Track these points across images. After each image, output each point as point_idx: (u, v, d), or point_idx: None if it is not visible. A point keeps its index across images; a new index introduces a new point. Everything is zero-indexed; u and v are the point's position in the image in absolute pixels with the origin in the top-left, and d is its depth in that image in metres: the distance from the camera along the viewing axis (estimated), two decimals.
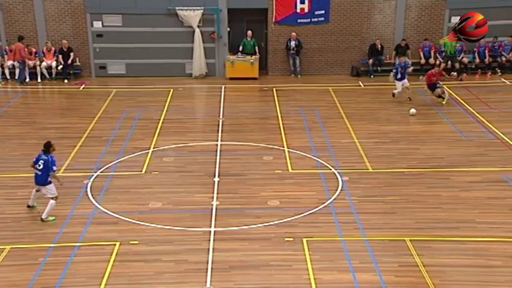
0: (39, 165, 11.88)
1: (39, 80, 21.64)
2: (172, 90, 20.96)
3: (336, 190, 13.26)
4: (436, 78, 18.72)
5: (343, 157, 15.09)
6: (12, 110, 18.91)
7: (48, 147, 12.01)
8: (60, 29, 22.08)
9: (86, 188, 13.33)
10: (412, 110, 17.93)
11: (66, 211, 12.27)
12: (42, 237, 11.30)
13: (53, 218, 11.92)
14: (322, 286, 9.95)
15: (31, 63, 21.55)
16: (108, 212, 12.32)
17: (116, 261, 10.59)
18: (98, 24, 22.10)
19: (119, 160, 14.82)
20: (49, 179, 11.96)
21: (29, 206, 12.34)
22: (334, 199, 12.86)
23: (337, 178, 13.87)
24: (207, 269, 10.39)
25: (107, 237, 11.34)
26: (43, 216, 11.88)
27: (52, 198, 11.96)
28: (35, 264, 10.45)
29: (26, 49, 21.23)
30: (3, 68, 21.55)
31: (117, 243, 11.10)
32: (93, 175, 13.96)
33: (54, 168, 11.93)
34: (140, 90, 21.06)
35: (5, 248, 10.88)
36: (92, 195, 13.01)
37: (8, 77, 21.55)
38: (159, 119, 18.00)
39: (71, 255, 10.73)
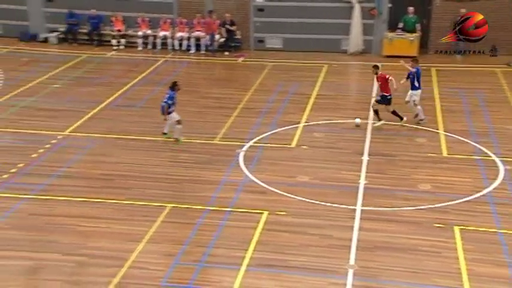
0: (165, 98, 14.38)
1: (202, 51, 22.66)
2: (326, 66, 20.89)
3: (496, 179, 12.46)
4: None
5: (507, 144, 14.11)
6: (177, 79, 19.98)
7: (173, 86, 14.56)
8: (224, 3, 22.86)
9: (239, 156, 13.81)
10: (357, 120, 15.40)
11: (220, 177, 12.84)
12: (199, 200, 11.94)
13: (182, 138, 14.44)
14: (474, 278, 9.47)
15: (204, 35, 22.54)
16: (258, 181, 12.68)
17: (264, 229, 10.91)
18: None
19: (271, 132, 15.14)
20: (170, 109, 14.28)
21: (164, 133, 14.62)
22: (494, 188, 12.10)
23: (497, 166, 13.02)
24: (350, 246, 10.34)
25: (255, 206, 11.69)
26: (176, 136, 14.45)
27: (178, 122, 14.36)
28: (192, 223, 11.09)
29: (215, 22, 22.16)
30: (173, 40, 22.85)
31: (265, 212, 11.41)
32: (246, 145, 14.42)
33: (169, 102, 14.27)
34: (295, 64, 21.24)
35: (167, 206, 11.66)
36: (244, 164, 13.45)
37: (177, 48, 22.80)
38: (311, 94, 18.07)
39: (223, 219, 11.23)
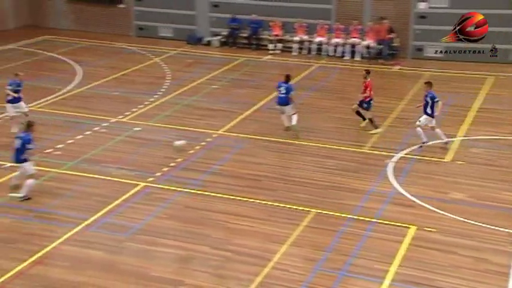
0: (281, 90, 14.82)
1: (356, 58, 22.46)
2: (492, 77, 19.67)
3: None
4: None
5: None
6: (329, 84, 20.07)
7: (288, 78, 15.07)
8: (383, 10, 22.46)
9: (389, 167, 13.46)
10: (178, 143, 13.69)
11: (367, 186, 12.62)
12: (343, 207, 11.84)
13: (295, 123, 14.88)
14: None
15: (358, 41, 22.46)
16: (407, 194, 12.27)
17: (411, 244, 10.53)
18: (422, 6, 21.89)
19: (424, 144, 14.57)
20: (290, 102, 14.82)
21: (287, 127, 14.99)
22: None
23: None
24: (509, 274, 9.61)
25: (402, 219, 11.33)
26: (292, 123, 14.91)
27: (293, 114, 14.86)
28: (335, 231, 11.03)
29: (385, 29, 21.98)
30: (328, 45, 22.93)
31: (413, 227, 11.01)
32: (396, 156, 14.02)
33: (292, 92, 14.82)
34: (455, 75, 20.25)
35: (310, 211, 11.72)
36: (393, 175, 13.09)
37: (331, 54, 22.84)
38: (472, 107, 17.11)
39: (367, 230, 11.04)
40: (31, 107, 16.86)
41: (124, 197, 12.18)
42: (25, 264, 9.89)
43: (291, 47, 23.49)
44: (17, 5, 26.74)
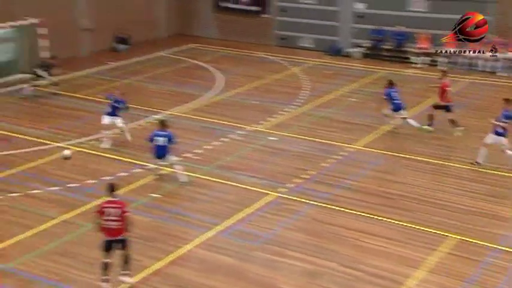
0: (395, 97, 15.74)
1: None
2: None
3: None
4: None
5: None
6: (483, 103, 18.70)
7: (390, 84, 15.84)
8: None
9: None
10: (65, 152, 13.00)
11: None
12: (488, 236, 10.94)
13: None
14: None
15: None
16: None
17: None
18: None
19: None
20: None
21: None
22: None
23: None
24: None
25: None
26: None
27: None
28: (477, 261, 10.21)
29: None
30: (480, 60, 21.54)
31: None
32: None
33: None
34: None
35: (450, 236, 10.94)
36: None
37: (488, 70, 21.47)
38: None
39: None
40: (174, 112, 17.57)
41: (255, 206, 12.20)
42: (162, 263, 10.18)
43: (435, 61, 22.41)
44: (170, 15, 28.22)
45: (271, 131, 16.37)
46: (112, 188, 9.34)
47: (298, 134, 16.18)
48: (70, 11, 23.71)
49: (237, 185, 13.16)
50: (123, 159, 14.37)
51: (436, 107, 16.18)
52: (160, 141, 12.84)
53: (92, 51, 24.24)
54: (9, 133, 16.00)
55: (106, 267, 9.31)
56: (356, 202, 12.32)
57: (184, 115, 17.62)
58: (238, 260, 10.31)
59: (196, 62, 24.00)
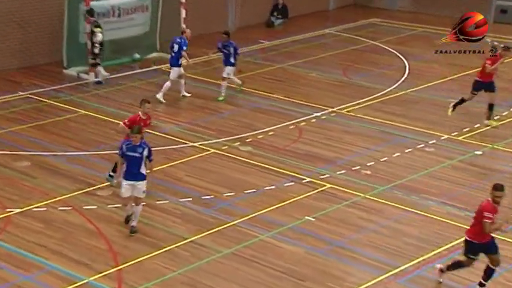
0: None
1: None
2: None
3: None
4: None
5: None
6: None
7: None
8: None
9: None
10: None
11: None
12: None
13: None
14: None
15: None
16: None
17: None
18: None
19: None
20: None
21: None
22: None
23: None
24: None
25: None
26: None
27: None
28: None
29: None
30: None
31: None
32: None
33: None
34: None
35: None
36: None
37: None
38: None
39: None
40: (340, 109, 17.53)
41: (448, 245, 11.87)
42: None
43: None
44: None
45: (476, 142, 15.99)
46: None
47: None
48: None
49: (423, 213, 12.95)
50: (271, 167, 14.56)
51: None
52: None
53: (239, 27, 24.86)
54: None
55: None
56: None
57: (353, 115, 17.57)
58: None
59: (375, 43, 23.88)
